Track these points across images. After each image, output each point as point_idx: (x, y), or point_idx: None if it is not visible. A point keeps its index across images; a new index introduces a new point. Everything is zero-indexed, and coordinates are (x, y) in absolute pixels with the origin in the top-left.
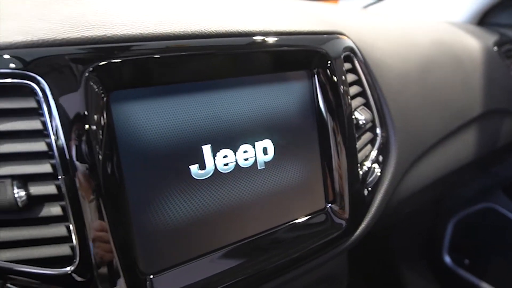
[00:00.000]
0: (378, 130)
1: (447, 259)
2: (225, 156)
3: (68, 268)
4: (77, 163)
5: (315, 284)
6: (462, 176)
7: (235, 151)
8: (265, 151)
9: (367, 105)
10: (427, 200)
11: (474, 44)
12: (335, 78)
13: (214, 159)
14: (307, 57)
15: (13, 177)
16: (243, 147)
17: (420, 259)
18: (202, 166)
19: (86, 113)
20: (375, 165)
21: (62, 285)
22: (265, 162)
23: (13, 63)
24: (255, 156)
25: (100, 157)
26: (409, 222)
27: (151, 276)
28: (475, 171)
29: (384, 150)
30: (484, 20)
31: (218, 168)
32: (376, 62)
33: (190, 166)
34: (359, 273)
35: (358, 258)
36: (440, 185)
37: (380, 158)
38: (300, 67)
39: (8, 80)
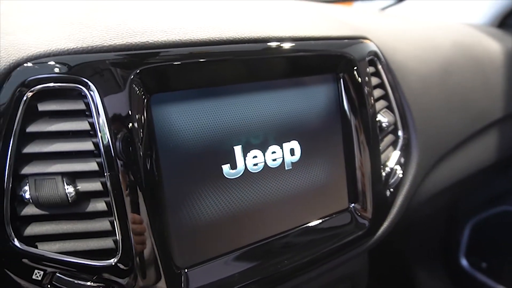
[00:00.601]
0: (400, 132)
1: (464, 262)
2: (255, 157)
3: (111, 261)
4: (121, 161)
5: (336, 282)
6: (481, 178)
7: (264, 152)
8: (292, 152)
9: (389, 107)
10: (445, 204)
11: (494, 47)
12: (360, 82)
13: (245, 159)
14: (333, 61)
15: (63, 174)
16: (272, 148)
17: (436, 261)
18: (234, 166)
19: (130, 114)
20: (397, 167)
21: (104, 276)
22: (292, 162)
23: (64, 68)
24: (283, 157)
25: (141, 156)
26: (426, 224)
27: (186, 270)
28: (494, 173)
29: (406, 152)
30: (504, 22)
31: (248, 168)
32: (398, 65)
33: (222, 166)
34: (374, 274)
35: (373, 259)
36: (459, 187)
37: (402, 159)
38: (327, 71)
39: (60, 84)
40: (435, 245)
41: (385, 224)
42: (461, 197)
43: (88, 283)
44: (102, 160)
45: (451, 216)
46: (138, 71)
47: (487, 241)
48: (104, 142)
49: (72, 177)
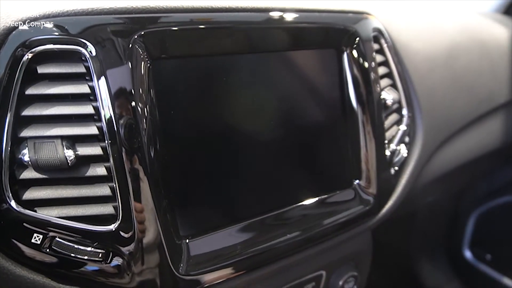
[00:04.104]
0: (404, 111)
1: (468, 254)
2: (254, 129)
3: (111, 226)
4: (121, 126)
5: (340, 261)
6: (485, 167)
7: (265, 124)
8: (294, 126)
9: (393, 86)
10: (449, 191)
11: (501, 32)
12: (364, 57)
13: (246, 130)
14: (337, 35)
15: (62, 138)
16: (273, 120)
17: (440, 253)
18: (234, 136)
19: (131, 78)
20: (402, 146)
21: (104, 242)
22: (294, 137)
23: (64, 30)
24: (284, 131)
25: (142, 120)
26: (430, 215)
27: (187, 240)
28: (499, 163)
29: (410, 132)
30: (510, 11)
31: (248, 141)
32: (402, 45)
33: (222, 135)
34: (376, 264)
35: (377, 250)
36: (464, 173)
37: (407, 139)
38: (330, 45)
39: (60, 46)
40: (439, 237)
41: (390, 202)
42: (465, 187)
43: (89, 249)
44: (103, 124)
45: (455, 207)
46: (139, 35)
47: (492, 233)
48: (105, 106)
49: (72, 141)
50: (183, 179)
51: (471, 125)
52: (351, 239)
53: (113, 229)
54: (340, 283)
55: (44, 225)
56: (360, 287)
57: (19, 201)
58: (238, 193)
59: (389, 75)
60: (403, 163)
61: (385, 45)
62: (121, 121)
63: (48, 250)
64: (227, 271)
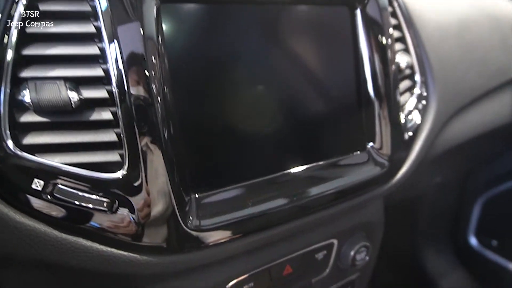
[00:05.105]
0: (417, 77)
1: (473, 240)
2: (265, 84)
3: (118, 174)
4: (129, 68)
5: (351, 230)
6: (495, 148)
7: (274, 81)
8: (305, 85)
9: (405, 51)
10: (456, 172)
11: (511, 7)
12: (379, 17)
13: (255, 85)
14: None
15: (65, 79)
16: (283, 76)
17: (444, 240)
18: (243, 89)
19: (139, 19)
20: (415, 112)
21: (110, 190)
22: (306, 97)
23: None
24: (294, 90)
25: (150, 61)
26: (434, 200)
27: (196, 195)
28: (505, 147)
29: (423, 98)
30: None
31: (259, 96)
32: (415, 12)
33: (231, 88)
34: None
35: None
36: (472, 151)
37: (420, 105)
38: (344, 2)
39: None
40: (444, 223)
41: (404, 168)
42: (471, 171)
43: (93, 197)
44: (109, 66)
45: (461, 193)
46: None
47: (499, 218)
48: (111, 47)
49: (76, 83)
50: (193, 131)
51: (483, 98)
52: (363, 208)
53: (120, 177)
54: (352, 253)
55: (46, 170)
56: (372, 258)
57: (19, 146)
58: (250, 152)
59: (401, 39)
60: (417, 129)
61: (398, 9)
62: (129, 63)
63: (49, 197)
64: (237, 229)
